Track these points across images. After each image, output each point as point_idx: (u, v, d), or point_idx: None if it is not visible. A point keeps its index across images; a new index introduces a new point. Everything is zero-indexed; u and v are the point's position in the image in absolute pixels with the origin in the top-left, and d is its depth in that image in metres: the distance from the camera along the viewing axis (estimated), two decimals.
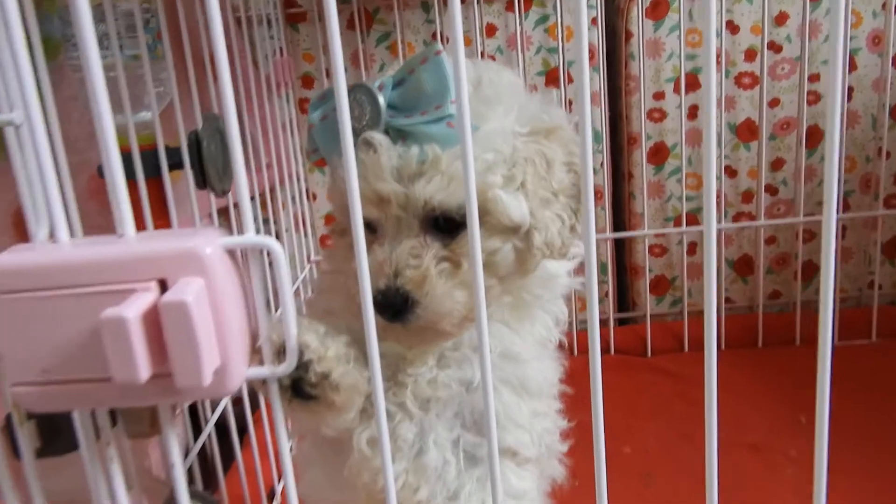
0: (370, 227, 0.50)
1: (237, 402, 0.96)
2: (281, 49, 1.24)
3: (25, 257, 0.37)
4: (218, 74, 0.36)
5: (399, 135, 0.47)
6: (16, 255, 0.37)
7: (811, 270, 1.36)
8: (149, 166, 0.75)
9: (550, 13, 1.27)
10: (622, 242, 1.40)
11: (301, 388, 0.43)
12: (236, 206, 0.83)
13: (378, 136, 0.47)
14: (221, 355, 0.37)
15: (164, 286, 0.36)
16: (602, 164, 1.31)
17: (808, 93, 1.26)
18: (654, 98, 1.30)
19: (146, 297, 0.35)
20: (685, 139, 1.27)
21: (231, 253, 0.38)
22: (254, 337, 0.39)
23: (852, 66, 1.27)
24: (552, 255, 0.51)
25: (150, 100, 0.80)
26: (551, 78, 1.30)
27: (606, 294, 1.36)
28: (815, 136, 1.30)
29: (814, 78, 1.27)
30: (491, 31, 1.29)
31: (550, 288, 0.56)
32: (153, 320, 0.35)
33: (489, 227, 0.49)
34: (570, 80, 1.28)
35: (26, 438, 0.48)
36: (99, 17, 0.91)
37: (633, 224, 1.35)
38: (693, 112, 1.29)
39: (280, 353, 0.39)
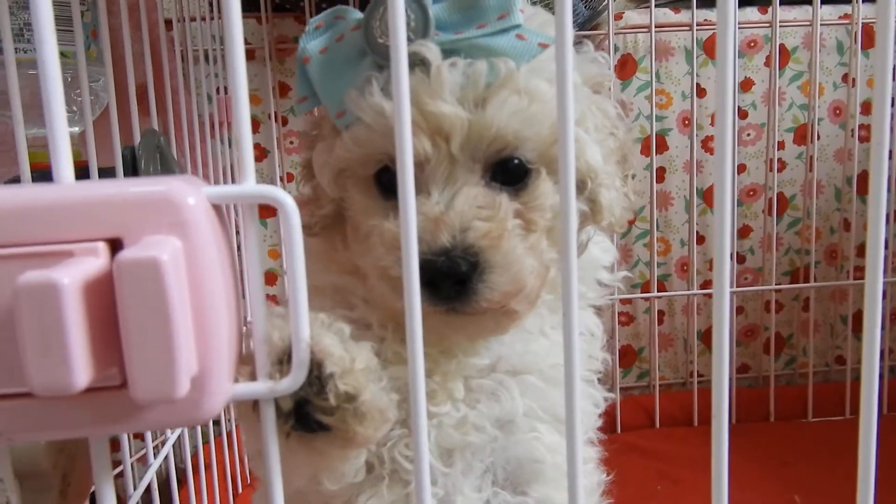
0: (392, 177, 0.38)
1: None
2: (225, 88, 1.13)
3: None
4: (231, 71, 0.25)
5: (450, 56, 0.37)
6: None
7: (780, 343, 1.31)
8: None
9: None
10: None
11: (309, 414, 0.30)
12: None
13: (432, 48, 0.36)
14: (200, 359, 0.24)
15: (116, 249, 0.24)
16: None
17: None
18: None
19: (89, 263, 0.23)
20: (656, 202, 1.21)
21: (219, 212, 0.26)
22: (242, 337, 0.27)
23: (816, 136, 1.26)
24: (615, 223, 0.44)
25: (81, 107, 0.67)
26: None
27: None
28: (781, 204, 1.27)
29: (779, 145, 1.25)
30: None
31: (590, 283, 0.46)
32: (98, 298, 0.23)
33: (558, 179, 0.39)
34: None
35: None
36: (23, 2, 0.79)
37: None
38: (661, 175, 1.25)
39: (283, 362, 0.27)
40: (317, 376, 0.29)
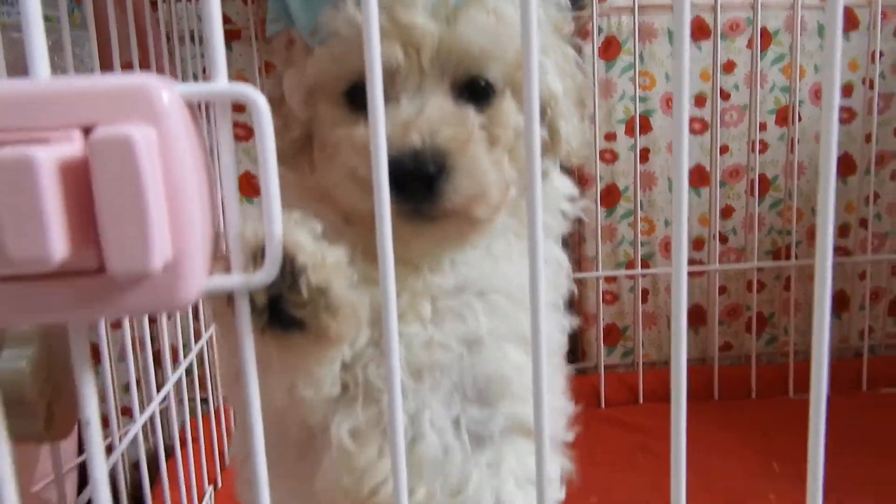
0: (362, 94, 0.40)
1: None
2: None
3: None
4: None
5: None
6: None
7: (762, 322, 1.33)
8: None
9: None
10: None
11: (283, 309, 0.31)
12: None
13: None
14: (174, 244, 0.25)
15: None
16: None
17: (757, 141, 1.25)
18: (606, 139, 1.26)
19: (65, 148, 0.24)
20: (639, 182, 1.23)
21: (192, 111, 0.27)
22: (217, 236, 0.28)
23: (797, 118, 1.28)
24: (572, 154, 0.46)
25: (65, 71, 0.68)
26: None
27: None
28: (762, 185, 1.29)
29: (762, 126, 1.27)
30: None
31: (554, 213, 0.47)
32: (73, 181, 0.24)
33: (521, 102, 0.42)
34: None
35: None
36: None
37: (584, 268, 1.29)
38: (645, 155, 1.26)
39: (256, 257, 0.28)
40: (290, 270, 0.30)
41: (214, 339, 1.03)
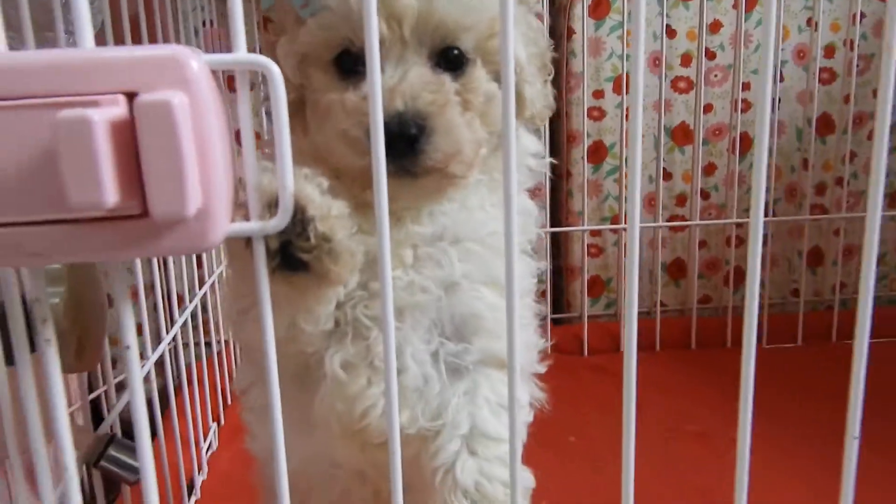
0: (354, 60, 0.44)
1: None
2: (211, 21, 1.17)
3: None
4: None
5: None
6: None
7: (740, 276, 1.38)
8: None
9: None
10: (558, 244, 1.37)
11: (291, 253, 0.36)
12: None
13: None
14: (204, 194, 0.30)
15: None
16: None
17: (741, 100, 1.29)
18: (594, 96, 1.30)
19: (113, 110, 0.28)
20: (625, 140, 1.27)
21: (215, 77, 0.32)
22: (237, 188, 0.33)
23: (780, 77, 1.31)
24: (536, 115, 0.51)
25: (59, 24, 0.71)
26: None
27: (543, 293, 1.33)
28: (745, 144, 1.33)
29: (745, 86, 1.30)
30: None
31: (522, 169, 0.52)
32: (119, 138, 0.28)
33: (490, 70, 0.47)
34: None
35: None
36: None
37: (571, 223, 1.34)
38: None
39: (271, 206, 0.32)
40: (300, 219, 0.35)
41: (216, 285, 1.08)
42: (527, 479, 0.50)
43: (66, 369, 0.47)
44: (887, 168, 1.34)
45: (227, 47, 0.32)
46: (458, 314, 0.47)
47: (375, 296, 0.45)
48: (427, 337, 0.47)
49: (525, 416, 0.52)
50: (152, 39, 0.88)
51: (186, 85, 0.29)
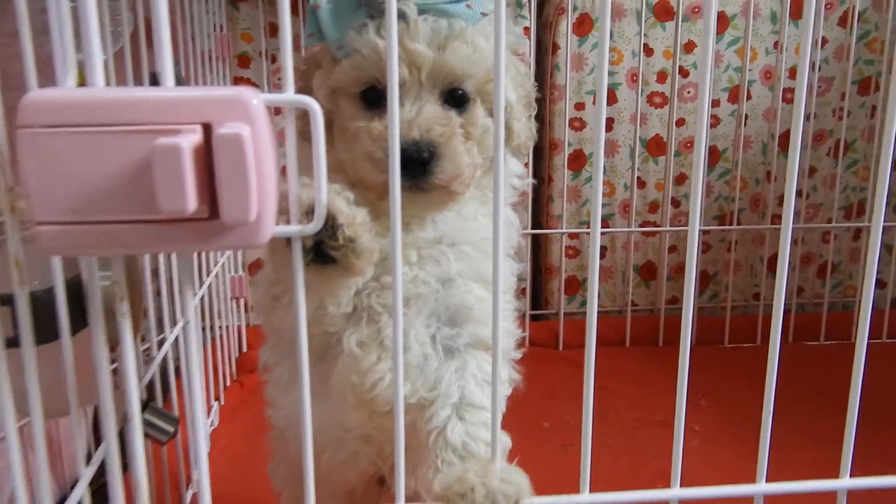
0: (378, 95, 0.54)
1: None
2: (221, 26, 1.24)
3: (63, 93, 0.37)
4: None
5: (422, 13, 0.52)
6: (50, 91, 0.37)
7: (705, 279, 1.48)
8: None
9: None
10: (539, 245, 1.47)
11: (323, 250, 0.44)
12: None
13: (412, 6, 0.50)
14: (259, 204, 0.38)
15: (208, 132, 0.37)
16: (526, 166, 1.39)
17: (710, 116, 1.39)
18: (576, 108, 1.39)
19: (193, 137, 0.37)
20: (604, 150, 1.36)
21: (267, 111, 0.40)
22: (281, 198, 0.41)
23: (748, 96, 1.41)
24: (521, 145, 0.60)
25: (104, 36, 0.78)
26: None
27: (523, 291, 1.42)
28: (713, 156, 1.43)
29: (715, 103, 1.40)
30: None
31: (507, 187, 0.62)
32: (196, 159, 0.37)
33: (487, 108, 0.56)
34: None
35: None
36: None
37: (551, 225, 1.43)
38: (609, 125, 1.39)
39: (308, 213, 0.41)
40: (331, 225, 0.44)
41: (219, 276, 1.16)
42: (505, 441, 0.58)
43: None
44: (842, 183, 1.44)
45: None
46: (452, 305, 0.56)
47: (386, 287, 0.54)
48: (427, 322, 0.56)
49: (504, 391, 0.61)
50: (174, 43, 0.96)
51: (249, 118, 0.37)
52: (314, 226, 0.40)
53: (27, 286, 0.45)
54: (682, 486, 0.50)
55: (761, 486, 0.52)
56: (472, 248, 0.57)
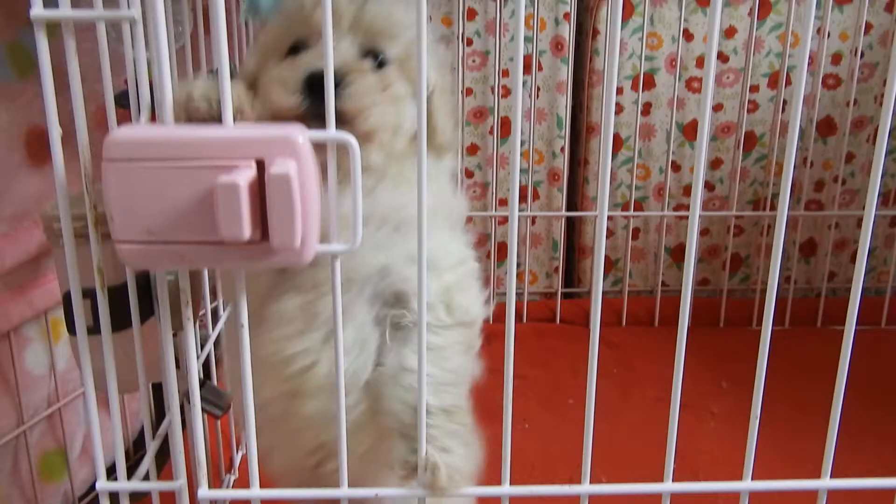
0: (301, 49, 0.57)
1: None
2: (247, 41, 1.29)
3: (141, 133, 0.44)
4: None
5: None
6: (131, 130, 0.44)
7: (737, 262, 1.51)
8: None
9: (528, 4, 1.37)
10: (573, 224, 1.51)
11: None
12: None
13: None
14: (303, 228, 0.44)
15: (260, 166, 0.43)
16: (562, 149, 1.42)
17: (748, 101, 1.40)
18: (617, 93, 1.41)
19: (247, 173, 0.43)
20: (638, 133, 1.39)
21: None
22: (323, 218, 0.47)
23: (787, 81, 1.41)
24: (444, 145, 0.63)
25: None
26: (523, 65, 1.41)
27: (556, 269, 1.47)
28: (750, 141, 1.44)
29: (754, 88, 1.41)
30: (472, 14, 1.38)
31: (448, 176, 0.64)
32: (250, 191, 0.43)
33: (409, 83, 0.59)
34: (541, 68, 1.39)
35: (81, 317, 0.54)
36: None
37: (585, 207, 1.47)
38: (647, 109, 1.42)
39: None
40: None
41: None
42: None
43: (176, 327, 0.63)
44: (883, 169, 1.45)
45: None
46: (397, 287, 0.58)
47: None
48: (370, 304, 0.59)
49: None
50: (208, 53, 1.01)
51: (296, 154, 0.43)
52: (349, 246, 0.47)
53: (106, 289, 0.52)
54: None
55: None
56: (410, 228, 0.57)
